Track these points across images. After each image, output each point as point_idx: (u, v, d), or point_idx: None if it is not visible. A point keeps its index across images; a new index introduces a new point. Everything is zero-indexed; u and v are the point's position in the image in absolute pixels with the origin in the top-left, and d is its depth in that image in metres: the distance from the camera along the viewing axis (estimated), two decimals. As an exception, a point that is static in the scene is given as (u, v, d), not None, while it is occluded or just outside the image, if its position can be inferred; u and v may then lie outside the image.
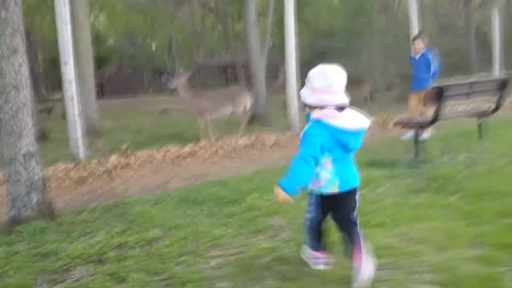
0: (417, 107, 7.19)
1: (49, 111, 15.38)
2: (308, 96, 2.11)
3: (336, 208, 2.25)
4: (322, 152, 2.05)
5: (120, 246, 3.00)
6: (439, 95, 4.93)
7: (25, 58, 3.33)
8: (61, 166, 5.53)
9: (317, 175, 2.13)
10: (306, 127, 2.13)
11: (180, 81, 7.47)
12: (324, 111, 2.05)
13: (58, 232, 3.31)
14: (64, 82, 5.67)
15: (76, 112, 5.77)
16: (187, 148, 6.60)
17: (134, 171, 5.74)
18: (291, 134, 7.91)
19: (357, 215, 2.29)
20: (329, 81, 2.02)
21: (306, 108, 2.21)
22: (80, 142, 5.79)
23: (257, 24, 10.34)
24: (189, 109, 7.72)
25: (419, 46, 7.20)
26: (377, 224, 3.04)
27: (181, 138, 8.47)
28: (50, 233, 3.28)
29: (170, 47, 41.47)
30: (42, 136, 8.95)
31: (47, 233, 3.28)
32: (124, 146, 6.13)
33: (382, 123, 9.33)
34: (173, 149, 6.49)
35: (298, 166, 2.03)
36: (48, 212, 3.56)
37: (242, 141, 7.18)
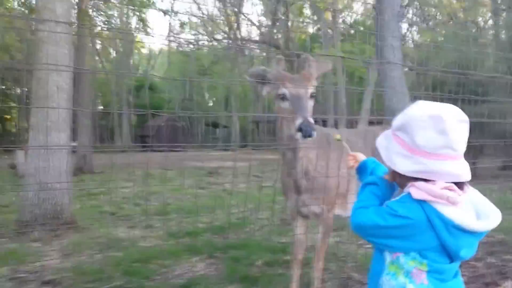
0: None
1: None
2: (403, 160, 1.13)
3: None
4: (408, 251, 1.13)
5: None
6: None
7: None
8: None
9: None
10: (395, 200, 1.15)
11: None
12: (434, 189, 1.07)
13: None
14: None
15: None
16: None
17: None
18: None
19: None
20: (449, 136, 1.08)
21: (385, 175, 1.26)
22: None
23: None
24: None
25: None
26: None
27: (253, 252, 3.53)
28: None
29: (227, 99, 38.26)
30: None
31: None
32: None
33: None
34: None
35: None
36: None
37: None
